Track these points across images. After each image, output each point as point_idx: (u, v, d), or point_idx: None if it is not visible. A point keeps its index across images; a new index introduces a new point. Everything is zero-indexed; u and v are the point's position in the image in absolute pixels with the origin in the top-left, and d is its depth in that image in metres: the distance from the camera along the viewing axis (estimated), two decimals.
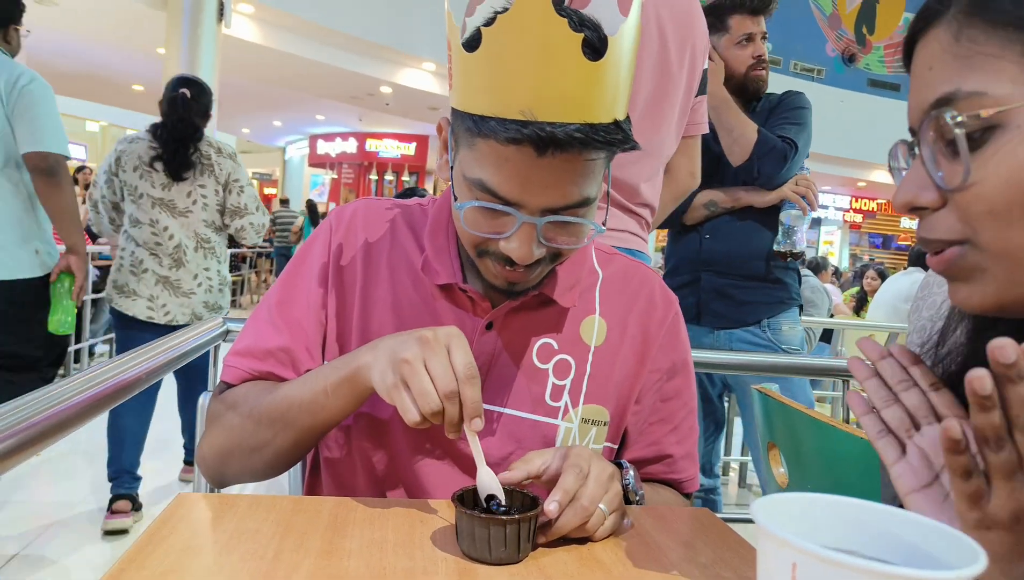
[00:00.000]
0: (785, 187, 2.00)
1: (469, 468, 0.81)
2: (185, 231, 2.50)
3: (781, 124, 2.01)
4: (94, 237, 5.98)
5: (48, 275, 2.10)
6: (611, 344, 0.86)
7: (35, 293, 2.06)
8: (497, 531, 0.60)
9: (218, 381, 0.87)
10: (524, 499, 0.66)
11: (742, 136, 1.96)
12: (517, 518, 0.60)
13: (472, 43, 0.66)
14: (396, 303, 0.85)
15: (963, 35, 0.45)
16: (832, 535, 0.40)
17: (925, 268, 4.49)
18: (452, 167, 0.75)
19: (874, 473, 0.81)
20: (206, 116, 2.54)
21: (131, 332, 2.48)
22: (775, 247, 1.99)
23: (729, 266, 2.02)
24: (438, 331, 0.67)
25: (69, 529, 2.55)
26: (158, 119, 2.53)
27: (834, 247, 18.23)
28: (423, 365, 0.65)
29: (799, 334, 2.04)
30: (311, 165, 18.84)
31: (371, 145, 17.02)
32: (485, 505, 0.66)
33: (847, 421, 1.82)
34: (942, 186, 0.47)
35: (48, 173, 1.96)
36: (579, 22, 0.64)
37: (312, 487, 0.91)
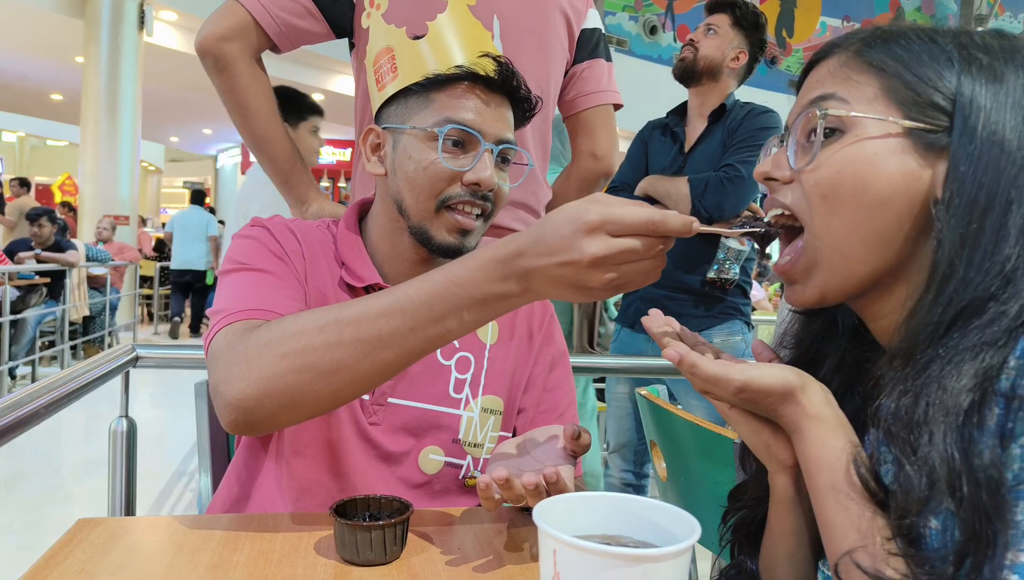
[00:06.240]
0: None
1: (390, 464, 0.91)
2: None
3: (737, 148, 1.92)
4: (10, 255, 5.80)
5: None
6: (502, 342, 1.00)
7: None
8: (364, 536, 0.68)
9: (211, 328, 0.80)
10: (393, 505, 0.74)
11: (679, 194, 1.91)
12: (382, 524, 0.68)
13: (417, 36, 0.90)
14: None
15: (847, 64, 0.59)
16: (605, 524, 0.48)
17: None
18: (396, 152, 0.90)
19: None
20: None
21: None
22: (707, 274, 1.95)
23: (662, 277, 1.96)
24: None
25: None
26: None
27: None
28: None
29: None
30: (244, 173, 18.46)
31: None
32: (363, 513, 0.73)
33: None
34: (793, 166, 0.60)
35: None
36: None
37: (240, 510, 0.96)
